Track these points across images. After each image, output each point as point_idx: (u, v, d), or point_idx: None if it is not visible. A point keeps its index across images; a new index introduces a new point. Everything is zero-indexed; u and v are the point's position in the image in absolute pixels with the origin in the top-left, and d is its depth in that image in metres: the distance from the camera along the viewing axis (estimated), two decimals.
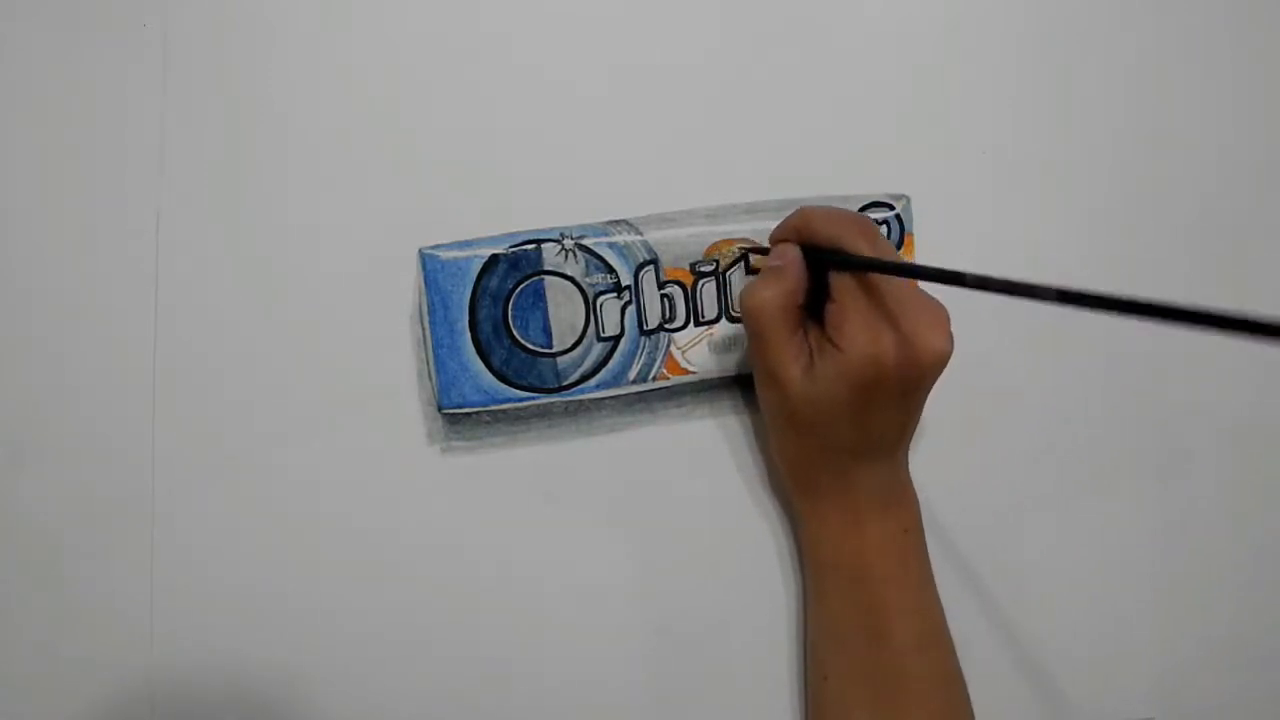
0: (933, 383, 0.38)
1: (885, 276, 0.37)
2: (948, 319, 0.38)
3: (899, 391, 0.38)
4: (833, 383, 0.38)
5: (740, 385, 0.45)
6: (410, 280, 0.43)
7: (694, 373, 0.44)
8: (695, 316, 0.44)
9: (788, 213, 0.43)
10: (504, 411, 0.44)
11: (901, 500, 0.42)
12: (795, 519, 0.44)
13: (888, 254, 0.39)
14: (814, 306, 0.40)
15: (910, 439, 0.41)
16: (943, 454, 0.46)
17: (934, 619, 0.42)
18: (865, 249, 0.38)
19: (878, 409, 0.38)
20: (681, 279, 0.43)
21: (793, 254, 0.40)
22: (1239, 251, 0.49)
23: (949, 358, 0.37)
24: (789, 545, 0.45)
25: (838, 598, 0.41)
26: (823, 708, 0.42)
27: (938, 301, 0.38)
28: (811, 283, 0.39)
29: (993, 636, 0.47)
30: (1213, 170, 0.49)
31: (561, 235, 0.43)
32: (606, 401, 0.44)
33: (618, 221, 0.43)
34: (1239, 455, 0.49)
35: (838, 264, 0.38)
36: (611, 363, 0.43)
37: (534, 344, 0.42)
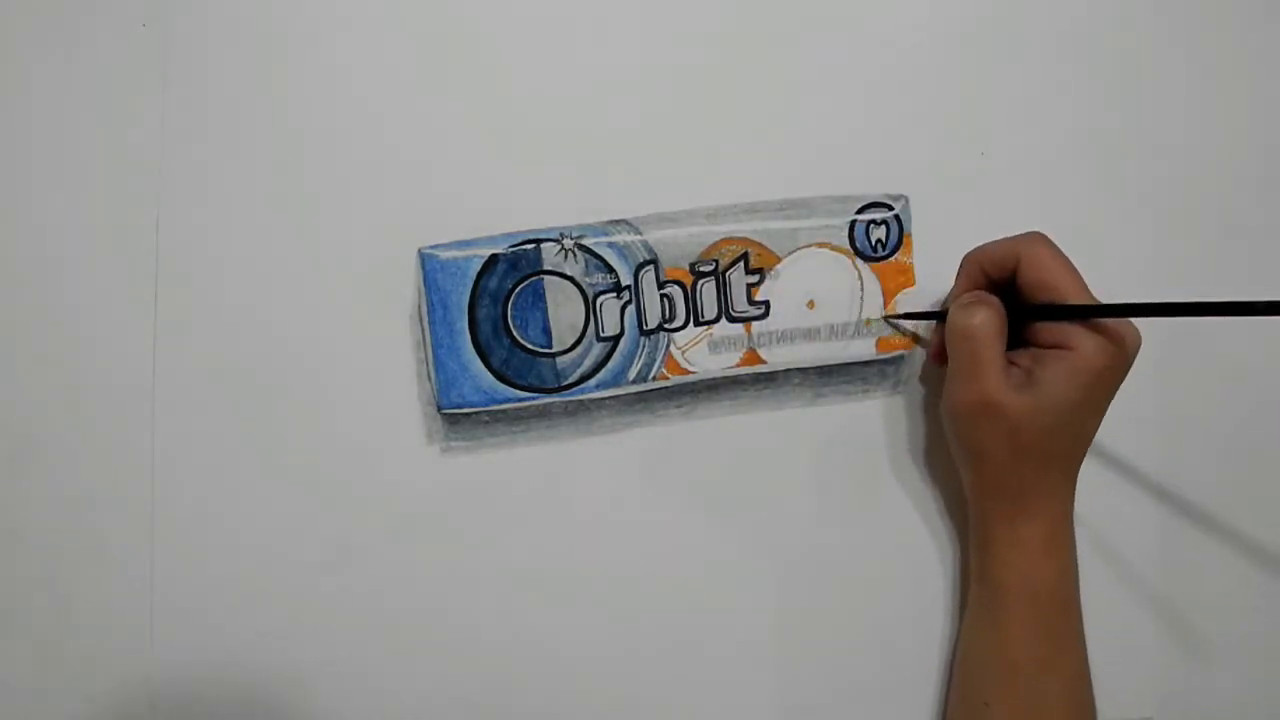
0: (1125, 377, 0.40)
1: (1075, 282, 0.40)
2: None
3: (1113, 387, 0.40)
4: (1064, 386, 0.39)
5: (740, 385, 0.45)
6: (410, 280, 0.43)
7: (694, 373, 0.44)
8: (695, 316, 0.44)
9: (788, 213, 0.43)
10: (504, 411, 0.44)
11: (1073, 530, 0.42)
12: (980, 546, 0.43)
13: (1066, 259, 0.40)
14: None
15: None
16: (943, 452, 0.46)
17: (1085, 651, 0.42)
18: (1047, 253, 0.40)
19: (1097, 408, 0.40)
20: (681, 279, 0.43)
21: (981, 292, 0.42)
22: (1239, 251, 0.49)
23: (1140, 345, 0.40)
24: (787, 544, 0.45)
25: (1020, 625, 0.41)
26: None
27: None
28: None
29: None
30: (1213, 170, 0.48)
31: (561, 235, 0.43)
32: (606, 401, 0.44)
33: (618, 221, 0.43)
34: (1239, 455, 0.49)
35: (1042, 312, 0.40)
36: (611, 363, 0.43)
37: (534, 344, 0.42)
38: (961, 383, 0.41)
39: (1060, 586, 0.41)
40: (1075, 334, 0.39)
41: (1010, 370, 0.40)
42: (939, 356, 0.45)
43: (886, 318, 0.45)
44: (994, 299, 0.41)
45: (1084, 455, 0.41)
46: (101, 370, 0.42)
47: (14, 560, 0.42)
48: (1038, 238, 0.41)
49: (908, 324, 0.45)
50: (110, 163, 0.42)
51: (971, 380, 0.40)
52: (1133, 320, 0.40)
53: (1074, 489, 0.42)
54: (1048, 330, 0.40)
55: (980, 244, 0.43)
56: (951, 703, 0.44)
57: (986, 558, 0.42)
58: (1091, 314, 0.39)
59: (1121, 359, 0.39)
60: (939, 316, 0.44)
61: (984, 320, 0.40)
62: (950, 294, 0.44)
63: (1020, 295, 0.41)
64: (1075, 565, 0.42)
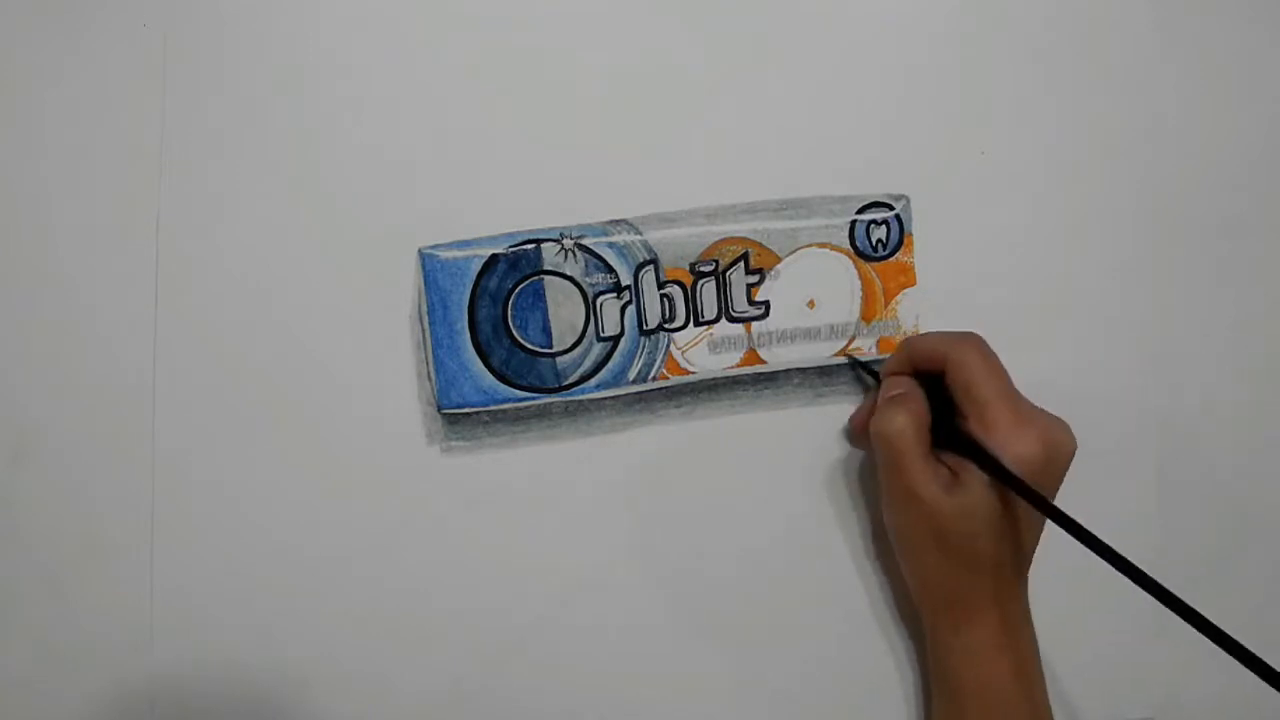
0: (1061, 482, 0.39)
1: (1001, 388, 0.39)
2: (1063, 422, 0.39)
3: (1045, 491, 0.38)
4: (988, 494, 0.38)
5: (740, 385, 0.45)
6: (410, 280, 0.43)
7: (694, 373, 0.44)
8: (695, 316, 0.44)
9: (787, 212, 0.43)
10: (504, 411, 0.44)
11: (1029, 624, 0.41)
12: (930, 647, 0.42)
13: (996, 366, 0.40)
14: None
15: None
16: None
17: None
18: (975, 357, 0.39)
19: (1022, 512, 0.39)
20: (681, 279, 0.43)
21: (910, 383, 0.41)
22: (1239, 251, 0.49)
23: (1073, 452, 0.39)
24: (787, 544, 0.45)
25: None
26: None
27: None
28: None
29: None
30: (1212, 170, 0.48)
31: (561, 235, 0.43)
32: (606, 401, 0.44)
33: (618, 221, 0.43)
34: (1239, 454, 0.49)
35: (956, 443, 0.39)
36: (611, 363, 0.43)
37: (534, 344, 0.42)
38: (889, 477, 0.40)
39: (1015, 685, 0.40)
40: (1001, 439, 0.38)
41: (937, 470, 0.39)
42: (860, 428, 0.44)
43: (849, 357, 0.45)
44: (916, 399, 0.40)
45: (1028, 558, 0.40)
46: (101, 370, 0.42)
47: (14, 559, 0.42)
48: (968, 340, 0.40)
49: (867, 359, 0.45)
50: (110, 163, 0.42)
51: (896, 477, 0.39)
52: (1066, 425, 0.39)
53: (1021, 591, 0.41)
54: (973, 423, 0.39)
55: (921, 334, 0.43)
56: None
57: (936, 660, 0.42)
58: (1000, 476, 0.37)
59: (1051, 471, 0.38)
60: (876, 378, 0.44)
61: (903, 426, 0.39)
62: (887, 364, 0.44)
63: (947, 391, 0.40)
64: (1031, 660, 0.41)
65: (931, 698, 0.44)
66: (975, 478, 0.38)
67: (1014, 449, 0.37)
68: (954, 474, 0.39)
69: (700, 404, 0.45)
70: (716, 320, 0.44)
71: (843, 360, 0.45)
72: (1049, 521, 0.37)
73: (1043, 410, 0.39)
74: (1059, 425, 0.39)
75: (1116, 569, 0.34)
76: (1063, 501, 0.37)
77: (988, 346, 0.40)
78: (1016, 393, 0.39)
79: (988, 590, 0.39)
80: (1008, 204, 0.47)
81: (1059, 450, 0.38)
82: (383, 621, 0.43)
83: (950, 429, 0.40)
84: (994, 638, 0.40)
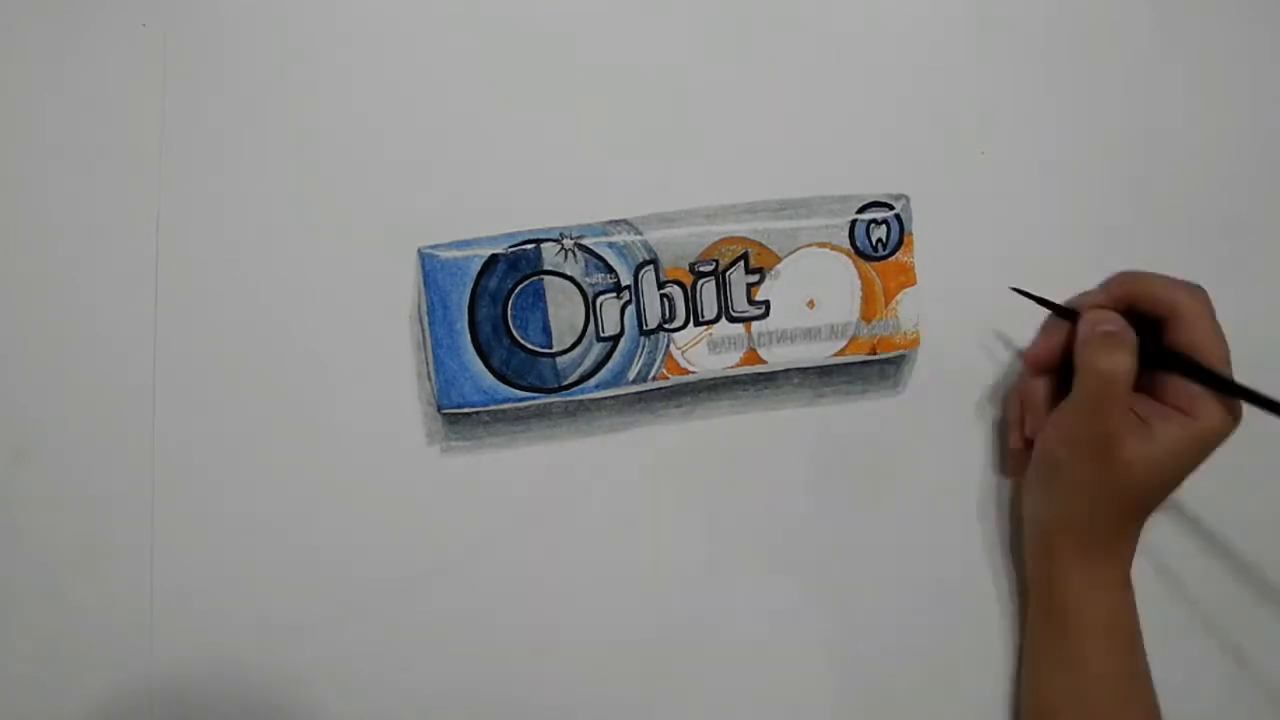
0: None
1: (1222, 357, 0.40)
2: None
3: (1200, 460, 0.40)
4: (1180, 449, 0.40)
5: (740, 385, 0.45)
6: (410, 280, 0.43)
7: (694, 373, 0.44)
8: (695, 316, 0.44)
9: (787, 212, 0.43)
10: (504, 411, 0.44)
11: None
12: (1048, 586, 0.43)
13: (1221, 332, 0.40)
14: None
15: None
16: (943, 451, 0.46)
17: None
18: (1207, 321, 0.40)
19: (1186, 471, 0.40)
20: (681, 279, 0.43)
21: (1124, 322, 0.41)
22: (1239, 251, 0.49)
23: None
24: (787, 544, 0.45)
25: (1102, 662, 0.41)
26: None
27: None
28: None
29: (992, 636, 0.47)
30: (1212, 170, 0.49)
31: (561, 235, 0.43)
32: (606, 401, 0.44)
33: (617, 221, 0.43)
34: (1239, 454, 0.49)
35: (1190, 370, 0.40)
36: (611, 362, 0.43)
37: (534, 344, 0.42)
38: (1085, 415, 0.40)
39: (1135, 621, 0.42)
40: (1203, 403, 0.39)
41: (1131, 417, 0.40)
42: (1039, 364, 0.43)
43: (1017, 290, 0.44)
44: (1134, 339, 0.40)
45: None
46: (102, 370, 0.42)
47: (14, 560, 0.42)
48: (1201, 298, 0.41)
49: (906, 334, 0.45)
50: (110, 162, 0.42)
51: (1097, 417, 0.40)
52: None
53: None
54: (1174, 388, 0.40)
55: (1141, 270, 0.42)
56: None
57: (1063, 596, 0.42)
58: (1232, 392, 0.39)
59: (1229, 434, 0.40)
60: (1069, 315, 0.43)
61: (1124, 365, 0.39)
62: (1088, 298, 0.43)
63: (1159, 338, 0.41)
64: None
65: (1033, 643, 0.44)
66: (1169, 433, 0.39)
67: (1219, 413, 0.39)
68: (1146, 423, 0.40)
69: (700, 404, 0.45)
70: (716, 320, 0.44)
71: (842, 360, 0.45)
72: None
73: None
74: (1239, 411, 0.40)
75: None
76: None
77: (1213, 308, 0.41)
78: (1230, 360, 0.40)
79: (1133, 532, 0.42)
80: (1008, 204, 0.47)
81: (1238, 419, 0.40)
82: (382, 621, 0.43)
83: (1164, 357, 0.40)
84: (1124, 574, 0.42)
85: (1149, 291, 0.42)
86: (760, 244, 0.44)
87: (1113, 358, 0.39)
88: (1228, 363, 0.40)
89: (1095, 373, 0.40)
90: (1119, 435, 0.39)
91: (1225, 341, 0.40)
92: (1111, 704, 0.41)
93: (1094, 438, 0.40)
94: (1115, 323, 0.41)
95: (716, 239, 0.43)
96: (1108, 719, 0.41)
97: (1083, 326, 0.41)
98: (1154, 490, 0.41)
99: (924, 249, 0.45)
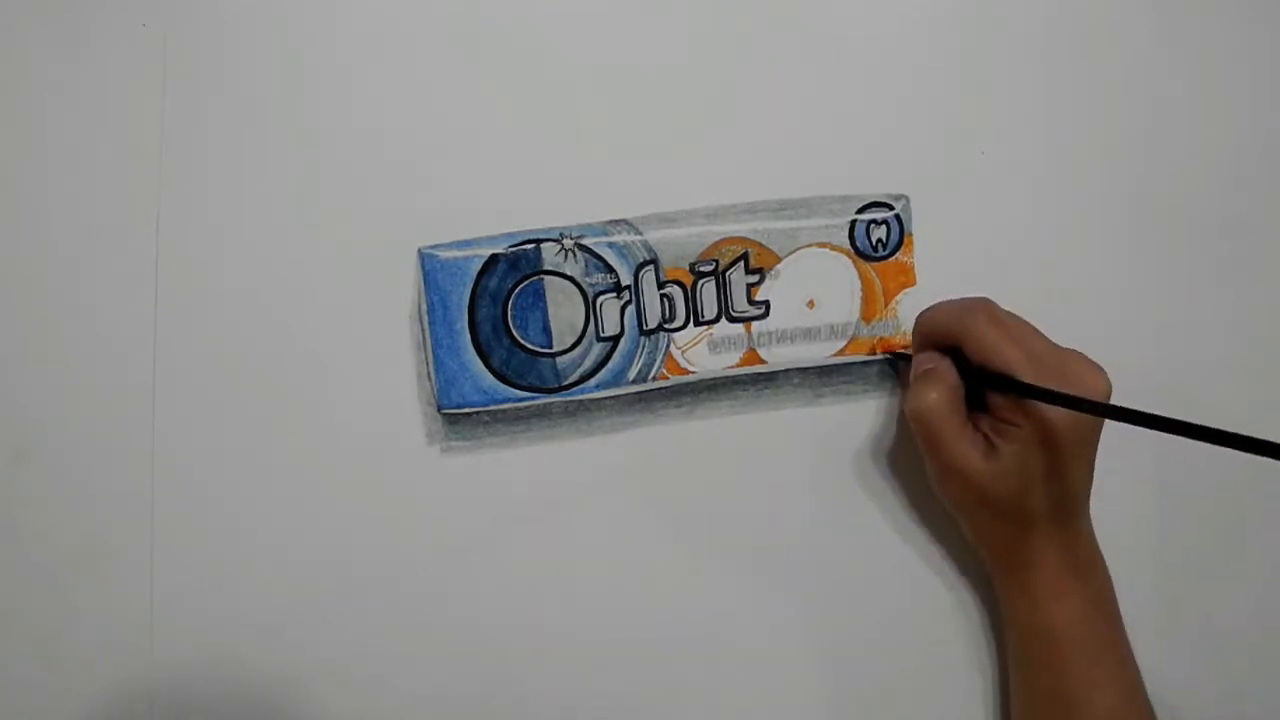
0: (1099, 430, 0.40)
1: (1032, 337, 0.40)
2: (1092, 360, 0.40)
3: (1081, 441, 0.40)
4: (1026, 456, 0.39)
5: (740, 385, 0.45)
6: (410, 280, 0.43)
7: (694, 373, 0.44)
8: (695, 316, 0.44)
9: (787, 212, 0.43)
10: (504, 411, 0.44)
11: (1095, 566, 0.42)
12: (998, 594, 0.44)
13: (1014, 327, 0.40)
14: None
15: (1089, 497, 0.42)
16: None
17: (1130, 688, 0.42)
18: (985, 331, 0.40)
19: (1068, 464, 0.40)
20: (681, 279, 0.43)
21: (936, 357, 0.41)
22: (1239, 251, 0.49)
23: (1111, 394, 0.40)
24: (787, 544, 0.45)
25: (1047, 670, 0.41)
26: None
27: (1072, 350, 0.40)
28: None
29: (991, 638, 0.47)
30: (1212, 170, 0.48)
31: (561, 235, 0.43)
32: (606, 401, 0.44)
33: (617, 221, 0.43)
34: (1239, 454, 0.49)
35: (994, 385, 0.40)
36: (611, 362, 0.43)
37: (534, 344, 0.42)
38: (928, 456, 0.41)
39: (1077, 627, 0.41)
40: (1020, 410, 0.39)
41: (974, 438, 0.40)
42: None
43: (889, 353, 0.45)
44: (946, 371, 0.41)
45: (1080, 501, 0.41)
46: (101, 370, 0.42)
47: (14, 560, 0.42)
48: (980, 314, 0.40)
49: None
50: (110, 162, 0.42)
51: (935, 455, 0.41)
52: (1101, 368, 0.40)
53: (1079, 529, 0.41)
54: (999, 402, 0.40)
55: (929, 306, 0.43)
56: None
57: (1005, 605, 0.43)
58: (1033, 396, 0.38)
59: (1080, 424, 0.39)
60: (906, 360, 0.44)
61: (935, 400, 0.40)
62: (912, 353, 0.44)
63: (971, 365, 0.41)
64: (1100, 601, 0.42)
65: (1004, 650, 0.45)
66: (1010, 446, 0.39)
67: (1047, 411, 0.38)
68: (989, 440, 0.40)
69: (700, 404, 0.45)
70: (716, 320, 0.44)
71: (842, 360, 0.45)
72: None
73: (1072, 355, 0.40)
74: (1088, 372, 0.40)
75: (1195, 437, 0.35)
76: None
77: (997, 310, 0.41)
78: (1038, 345, 0.40)
79: (1041, 541, 0.41)
80: (1008, 204, 0.47)
81: (1093, 396, 0.39)
82: (382, 621, 0.43)
83: (981, 378, 0.40)
84: (1055, 581, 0.41)
85: (934, 325, 0.42)
86: (760, 244, 0.44)
87: (920, 397, 0.40)
88: (1022, 358, 0.39)
89: (911, 415, 0.41)
90: (964, 461, 0.40)
91: (1012, 333, 0.40)
92: (1059, 705, 0.41)
93: (942, 468, 0.41)
94: (927, 361, 0.42)
95: (716, 239, 0.44)
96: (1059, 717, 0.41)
97: (908, 390, 0.42)
98: (1025, 496, 0.40)
99: (924, 249, 0.45)
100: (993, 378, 0.40)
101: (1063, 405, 0.38)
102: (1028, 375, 0.39)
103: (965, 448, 0.40)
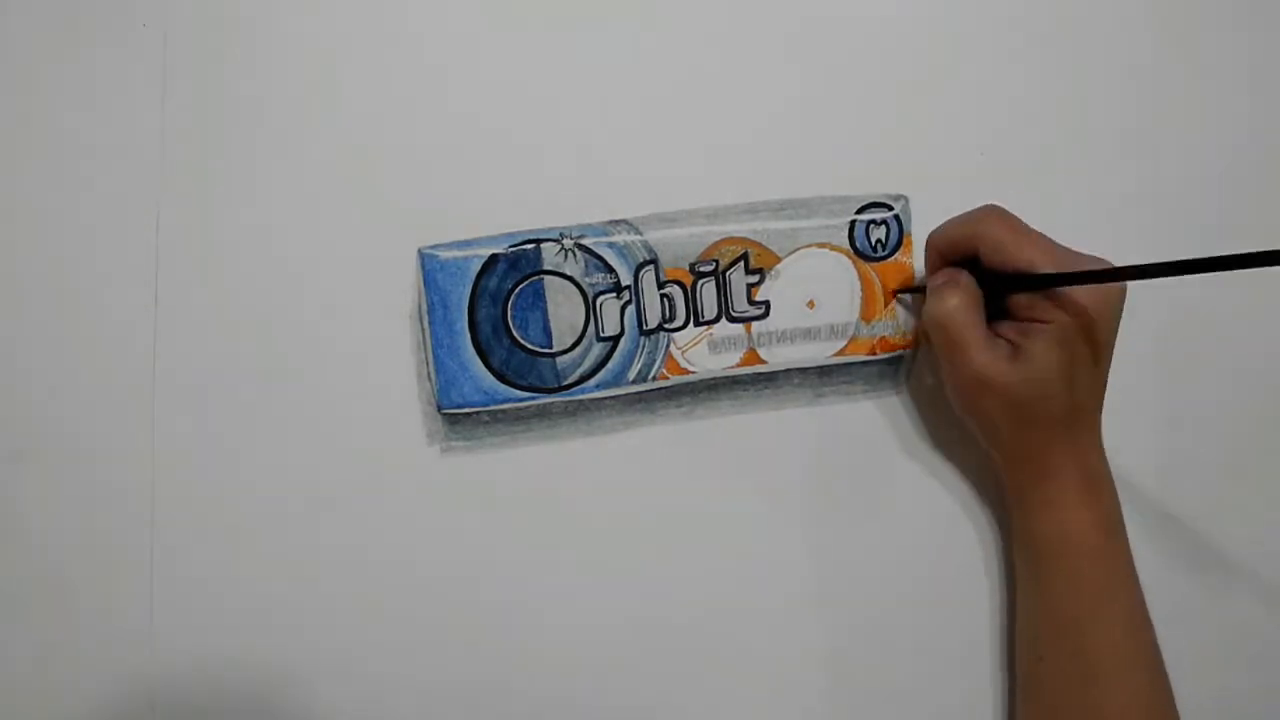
0: (1117, 327, 0.41)
1: (1044, 236, 0.40)
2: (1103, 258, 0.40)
3: (1103, 341, 0.40)
4: (1050, 356, 0.39)
5: (740, 385, 0.45)
6: (410, 280, 0.43)
7: (694, 372, 0.44)
8: (695, 316, 0.44)
9: (787, 212, 0.43)
10: (504, 411, 0.44)
11: (1109, 480, 0.42)
12: (1013, 511, 0.44)
13: (1026, 233, 0.40)
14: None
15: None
16: (944, 451, 0.46)
17: (1140, 600, 0.42)
18: (1001, 231, 0.40)
19: (1094, 364, 0.40)
20: (681, 279, 0.43)
21: (952, 270, 0.41)
22: (1238, 250, 0.49)
23: (1125, 294, 0.40)
24: (788, 544, 0.45)
25: (1059, 579, 0.41)
26: (1036, 689, 0.43)
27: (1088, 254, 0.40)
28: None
29: (991, 637, 0.47)
30: (1212, 169, 0.49)
31: (561, 235, 0.43)
32: (606, 401, 0.44)
33: (618, 221, 0.43)
34: (1239, 455, 0.49)
35: (1017, 284, 0.40)
36: (611, 362, 0.43)
37: (534, 344, 0.42)
38: (950, 365, 0.41)
39: (1095, 537, 0.41)
40: (1049, 305, 0.39)
41: (996, 343, 0.40)
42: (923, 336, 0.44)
43: (897, 293, 0.45)
44: (965, 278, 0.41)
45: (1098, 405, 0.42)
46: (101, 369, 0.42)
47: (14, 559, 0.42)
48: (992, 218, 0.41)
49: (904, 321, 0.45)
50: (110, 162, 0.42)
51: (958, 362, 0.40)
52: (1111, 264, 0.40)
53: (1094, 442, 0.42)
54: (1023, 303, 0.40)
55: (939, 224, 0.43)
56: (1016, 660, 0.45)
57: (1021, 518, 0.43)
58: (1059, 283, 0.39)
59: (1105, 315, 0.40)
60: (920, 291, 0.44)
61: (957, 305, 0.40)
62: (925, 274, 0.44)
63: (989, 269, 0.41)
64: (1114, 515, 0.42)
65: (1015, 567, 0.45)
66: (1034, 346, 0.39)
67: (1069, 306, 0.39)
68: (1014, 345, 0.40)
69: (700, 404, 0.45)
70: (716, 320, 0.44)
71: (842, 360, 0.45)
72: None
73: (1086, 255, 0.40)
74: (1102, 266, 0.39)
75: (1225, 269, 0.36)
76: None
77: (1008, 213, 0.41)
78: (1052, 247, 0.40)
79: (1065, 445, 0.41)
80: (1007, 204, 0.47)
81: (1109, 297, 0.40)
82: (382, 621, 0.43)
83: (1003, 280, 0.40)
84: (1074, 490, 0.41)
85: (947, 238, 0.42)
86: (760, 244, 0.44)
87: (940, 303, 0.40)
88: (1047, 252, 0.40)
89: (934, 321, 0.41)
90: (985, 366, 0.40)
91: (1032, 237, 0.40)
92: (1074, 619, 0.41)
93: (966, 378, 0.40)
94: (942, 275, 0.42)
95: (716, 239, 0.44)
96: (1071, 634, 0.41)
97: (926, 300, 0.42)
98: (1050, 401, 0.40)
99: (924, 249, 0.45)
100: (1015, 278, 0.40)
101: (1093, 281, 0.38)
102: (1049, 268, 0.39)
103: (993, 353, 0.40)
